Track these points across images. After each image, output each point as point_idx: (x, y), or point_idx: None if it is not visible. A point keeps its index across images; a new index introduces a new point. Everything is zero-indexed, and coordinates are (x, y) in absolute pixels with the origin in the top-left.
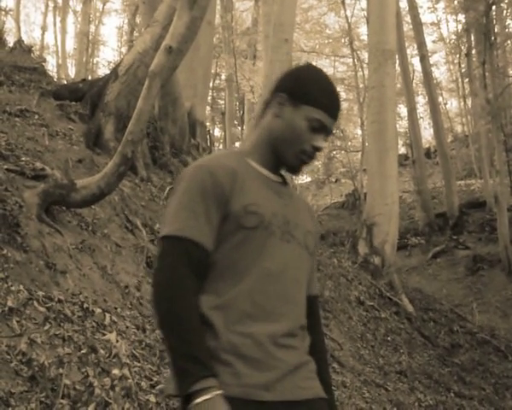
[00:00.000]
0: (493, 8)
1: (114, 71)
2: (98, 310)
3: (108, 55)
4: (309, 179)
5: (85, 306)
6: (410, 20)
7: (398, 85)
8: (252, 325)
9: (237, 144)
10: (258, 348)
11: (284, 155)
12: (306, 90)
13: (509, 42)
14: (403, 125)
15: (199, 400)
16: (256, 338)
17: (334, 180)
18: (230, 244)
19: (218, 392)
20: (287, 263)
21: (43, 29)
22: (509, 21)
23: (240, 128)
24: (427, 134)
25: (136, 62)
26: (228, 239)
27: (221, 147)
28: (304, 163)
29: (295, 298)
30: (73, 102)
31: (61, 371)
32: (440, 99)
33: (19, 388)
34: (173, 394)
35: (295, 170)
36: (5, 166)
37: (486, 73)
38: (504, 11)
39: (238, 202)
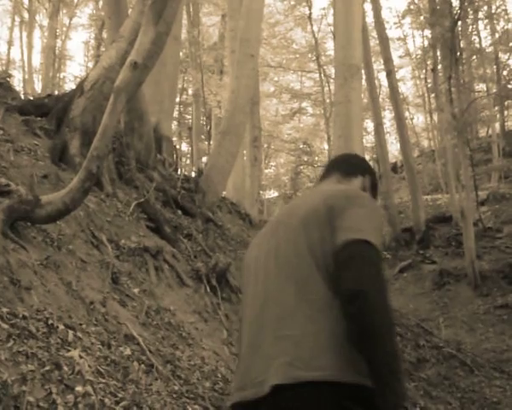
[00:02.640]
0: (459, 23)
1: (80, 86)
2: (63, 326)
3: (75, 69)
4: (276, 194)
5: (50, 322)
6: (376, 36)
7: (365, 100)
8: None
9: (204, 159)
10: None
11: None
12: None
13: (474, 57)
14: (369, 139)
15: None
16: None
17: (300, 195)
18: None
19: None
20: None
21: (10, 44)
22: (474, 37)
23: (207, 143)
24: (393, 149)
25: (101, 78)
26: None
27: (188, 162)
28: None
29: None
30: (39, 118)
31: (24, 388)
32: (407, 114)
33: None
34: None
35: None
36: None
37: (452, 88)
38: (470, 27)
39: None
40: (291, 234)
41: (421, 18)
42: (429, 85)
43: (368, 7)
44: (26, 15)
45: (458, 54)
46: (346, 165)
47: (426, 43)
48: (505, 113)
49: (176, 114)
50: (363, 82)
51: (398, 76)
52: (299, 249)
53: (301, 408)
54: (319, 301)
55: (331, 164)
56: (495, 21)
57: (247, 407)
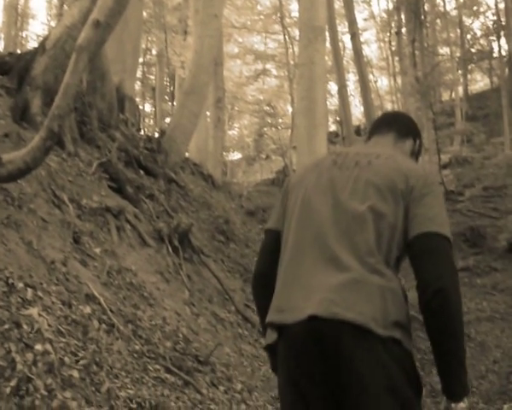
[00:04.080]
0: None
1: (42, 45)
2: (23, 285)
3: (38, 28)
4: (239, 156)
5: (10, 281)
6: None
7: (329, 63)
8: None
9: (167, 120)
10: None
11: None
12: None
13: (438, 21)
14: (333, 102)
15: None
16: None
17: (264, 157)
18: None
19: None
20: None
21: None
22: (438, 0)
23: (170, 104)
24: (357, 112)
25: (63, 36)
26: None
27: (151, 123)
28: None
29: None
30: (0, 76)
31: None
32: (371, 77)
33: None
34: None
35: None
36: None
37: (416, 52)
38: None
39: None
40: (358, 188)
41: None
42: (393, 48)
43: None
44: None
45: (422, 17)
46: (402, 125)
47: (390, 5)
48: (468, 77)
49: (139, 74)
50: (328, 44)
51: (362, 39)
52: (362, 207)
53: (332, 342)
54: (372, 260)
55: (387, 120)
56: None
57: (280, 328)
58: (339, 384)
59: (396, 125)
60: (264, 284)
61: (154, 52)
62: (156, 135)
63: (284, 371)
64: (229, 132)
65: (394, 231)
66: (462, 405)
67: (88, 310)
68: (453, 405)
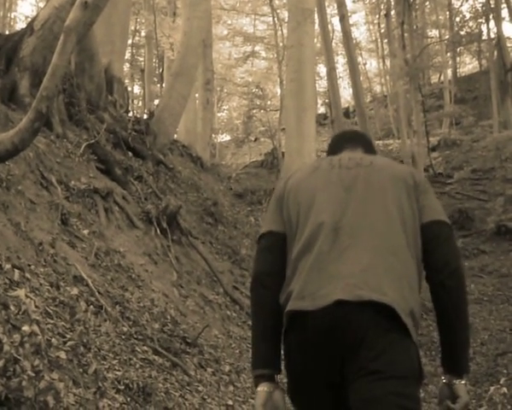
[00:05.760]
0: None
1: (30, 26)
2: (11, 267)
3: (26, 9)
4: (228, 138)
5: None
6: None
7: (318, 45)
8: None
9: (156, 102)
10: None
11: None
12: None
13: (427, 3)
14: (322, 84)
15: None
16: None
17: (253, 139)
18: None
19: None
20: None
21: None
22: None
23: (159, 85)
24: (346, 94)
25: (52, 17)
26: None
27: (140, 104)
28: None
29: None
30: None
31: None
32: (360, 59)
33: None
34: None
35: None
36: None
37: (405, 34)
38: None
39: None
40: (373, 185)
41: None
42: (382, 31)
43: None
44: None
45: None
46: (365, 143)
47: None
48: (457, 59)
49: (128, 55)
50: (316, 26)
51: (351, 21)
52: (386, 201)
53: (357, 324)
54: (395, 246)
55: (351, 137)
56: None
57: (300, 316)
58: (355, 366)
59: (360, 142)
60: (268, 284)
61: (142, 34)
62: (145, 117)
63: (302, 358)
64: (218, 114)
65: (414, 221)
66: (463, 381)
67: (76, 292)
68: (457, 381)
